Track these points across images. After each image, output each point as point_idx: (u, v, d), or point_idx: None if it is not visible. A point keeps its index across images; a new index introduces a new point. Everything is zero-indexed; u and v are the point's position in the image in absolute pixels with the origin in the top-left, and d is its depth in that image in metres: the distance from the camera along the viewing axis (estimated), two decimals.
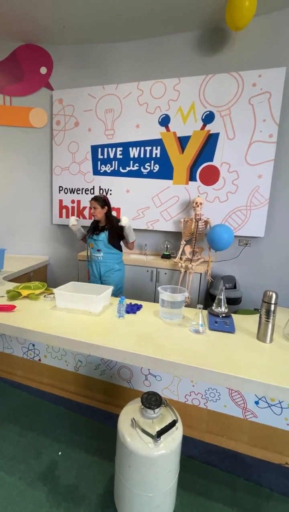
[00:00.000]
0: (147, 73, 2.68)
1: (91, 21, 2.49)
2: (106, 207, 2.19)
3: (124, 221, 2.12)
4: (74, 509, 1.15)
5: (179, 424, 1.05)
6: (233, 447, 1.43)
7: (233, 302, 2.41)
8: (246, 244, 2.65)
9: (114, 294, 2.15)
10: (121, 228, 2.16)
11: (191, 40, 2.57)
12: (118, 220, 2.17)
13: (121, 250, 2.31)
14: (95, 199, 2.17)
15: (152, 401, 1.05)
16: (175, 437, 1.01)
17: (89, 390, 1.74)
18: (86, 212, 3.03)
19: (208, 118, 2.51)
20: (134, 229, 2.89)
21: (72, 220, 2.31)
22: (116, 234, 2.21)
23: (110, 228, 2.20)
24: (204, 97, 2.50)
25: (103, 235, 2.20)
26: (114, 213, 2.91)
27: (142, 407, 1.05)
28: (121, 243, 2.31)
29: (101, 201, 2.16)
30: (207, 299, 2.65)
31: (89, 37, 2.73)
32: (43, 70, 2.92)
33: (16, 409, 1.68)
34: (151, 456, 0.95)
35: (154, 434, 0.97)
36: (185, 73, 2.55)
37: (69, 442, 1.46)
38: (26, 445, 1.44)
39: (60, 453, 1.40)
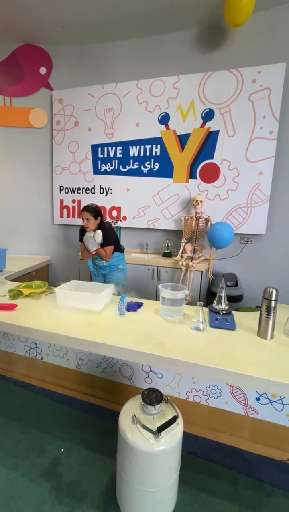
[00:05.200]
0: (146, 72, 2.68)
1: (90, 21, 2.50)
2: (99, 218, 2.09)
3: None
4: (77, 504, 1.16)
5: (180, 420, 1.06)
6: (234, 444, 1.44)
7: (234, 300, 2.41)
8: (247, 241, 2.64)
9: (117, 292, 2.15)
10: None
11: (189, 37, 2.56)
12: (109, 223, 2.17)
13: (122, 250, 2.31)
14: (87, 209, 2.04)
15: (153, 397, 1.06)
16: (176, 433, 1.02)
17: (91, 388, 1.76)
18: None
19: (208, 115, 2.51)
20: (135, 228, 2.91)
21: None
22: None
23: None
24: (203, 95, 2.49)
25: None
26: (114, 212, 2.92)
27: (143, 403, 1.06)
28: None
29: (94, 211, 2.05)
30: (208, 297, 2.65)
31: (88, 37, 2.73)
32: (43, 70, 2.93)
33: (19, 407, 1.70)
34: (152, 452, 0.96)
35: (154, 430, 0.97)
36: (184, 71, 2.54)
37: (72, 439, 1.47)
38: (29, 442, 1.46)
39: (62, 450, 1.41)
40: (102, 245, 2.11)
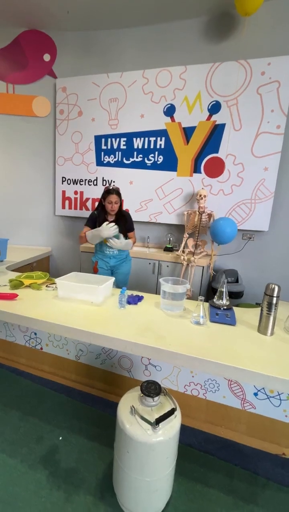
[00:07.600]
0: (152, 61, 2.62)
1: (96, 7, 2.42)
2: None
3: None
4: (74, 491, 1.18)
5: (178, 413, 1.07)
6: (231, 437, 1.45)
7: (234, 296, 2.40)
8: (250, 238, 2.62)
9: (124, 284, 2.15)
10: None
11: (198, 26, 2.49)
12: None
13: None
14: (116, 193, 2.00)
15: (151, 389, 1.06)
16: (174, 425, 1.02)
17: (90, 378, 1.77)
18: (89, 204, 3.01)
19: (214, 108, 2.46)
20: (137, 222, 2.89)
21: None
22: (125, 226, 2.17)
23: (121, 219, 2.11)
24: (210, 86, 2.44)
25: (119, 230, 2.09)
26: None
27: (142, 395, 1.06)
28: None
29: (120, 195, 2.05)
30: (209, 293, 2.65)
31: (94, 23, 2.66)
32: (47, 57, 2.87)
33: (18, 396, 1.71)
34: (150, 443, 0.97)
35: (152, 421, 0.98)
36: (192, 61, 2.48)
37: (70, 428, 1.49)
38: (27, 430, 1.47)
39: (60, 438, 1.43)
40: (127, 230, 2.15)
